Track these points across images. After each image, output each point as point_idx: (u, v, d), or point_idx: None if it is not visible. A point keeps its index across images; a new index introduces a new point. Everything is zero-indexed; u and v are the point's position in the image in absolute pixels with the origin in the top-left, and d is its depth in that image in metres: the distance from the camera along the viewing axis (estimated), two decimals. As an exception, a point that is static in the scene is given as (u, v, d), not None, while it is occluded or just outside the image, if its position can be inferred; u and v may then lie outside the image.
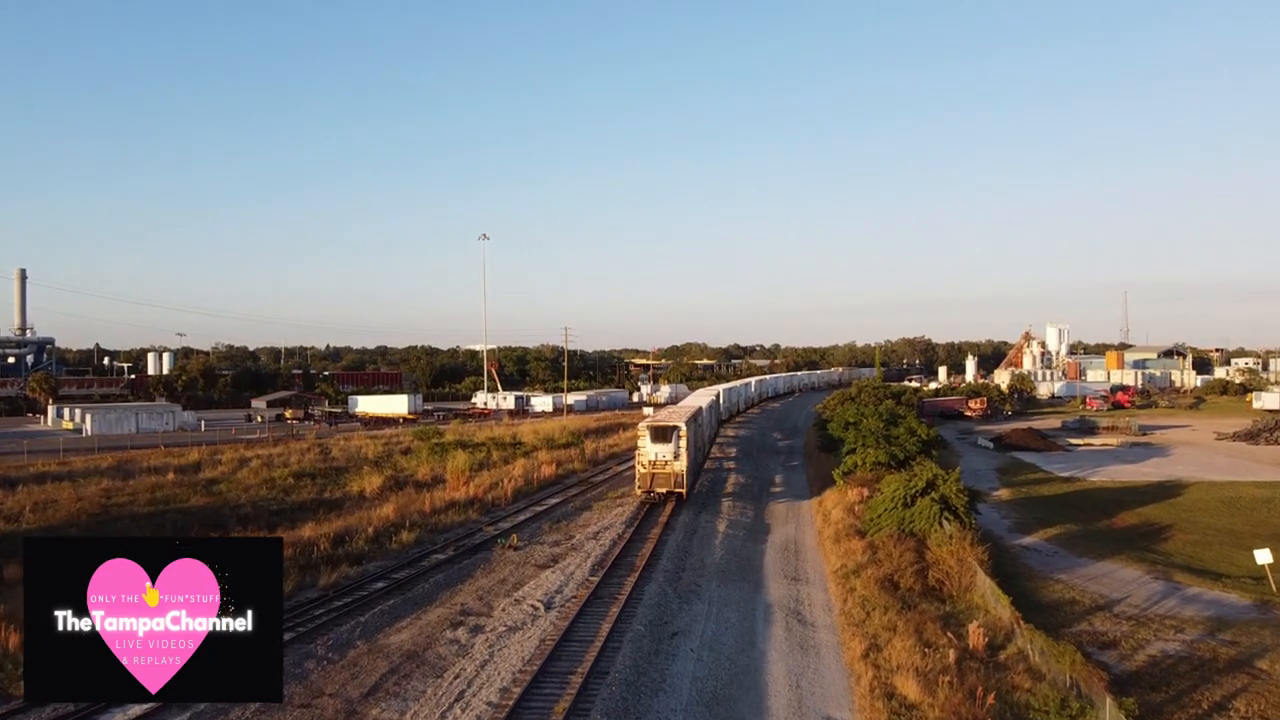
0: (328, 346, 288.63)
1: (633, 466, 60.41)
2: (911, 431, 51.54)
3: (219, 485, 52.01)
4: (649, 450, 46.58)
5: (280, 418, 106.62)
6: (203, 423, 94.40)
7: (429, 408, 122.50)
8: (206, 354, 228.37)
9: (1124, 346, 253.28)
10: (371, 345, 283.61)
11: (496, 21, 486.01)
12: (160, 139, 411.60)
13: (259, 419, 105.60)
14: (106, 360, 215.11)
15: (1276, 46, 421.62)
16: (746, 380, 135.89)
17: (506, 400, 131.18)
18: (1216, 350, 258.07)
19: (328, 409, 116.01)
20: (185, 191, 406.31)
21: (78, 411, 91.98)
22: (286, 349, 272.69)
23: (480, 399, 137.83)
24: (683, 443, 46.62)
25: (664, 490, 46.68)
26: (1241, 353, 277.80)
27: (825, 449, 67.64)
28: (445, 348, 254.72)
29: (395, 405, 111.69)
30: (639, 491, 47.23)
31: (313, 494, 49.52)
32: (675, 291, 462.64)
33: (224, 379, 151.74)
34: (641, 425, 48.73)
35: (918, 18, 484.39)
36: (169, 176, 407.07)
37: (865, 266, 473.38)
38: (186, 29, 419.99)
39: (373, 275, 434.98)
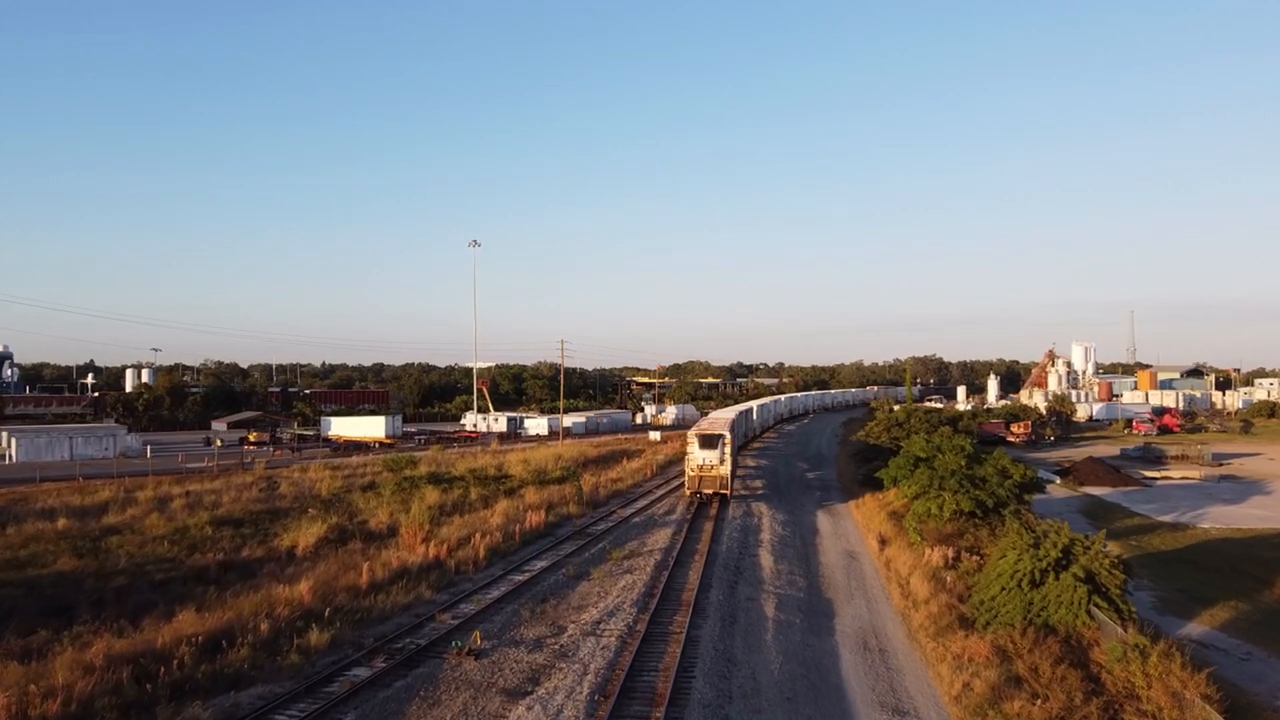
0: (323, 364, 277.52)
1: (643, 510, 49.69)
2: (1002, 471, 40.19)
3: (113, 538, 40.60)
4: (697, 456, 51.08)
5: (243, 441, 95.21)
6: (148, 448, 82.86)
7: (411, 430, 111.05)
8: (194, 370, 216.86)
9: (1142, 366, 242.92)
10: (368, 363, 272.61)
11: (495, 32, 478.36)
12: (163, 161, 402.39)
13: (218, 443, 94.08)
14: (90, 377, 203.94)
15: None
16: (776, 397, 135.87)
17: (498, 422, 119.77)
18: (1234, 370, 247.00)
19: (297, 431, 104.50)
20: (190, 208, 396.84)
21: (3, 434, 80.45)
22: (278, 366, 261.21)
23: (469, 420, 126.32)
24: (727, 449, 51.24)
25: (710, 491, 50.70)
26: (1262, 373, 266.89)
27: (871, 484, 56.45)
28: (443, 365, 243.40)
29: (372, 428, 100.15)
30: (687, 493, 51.71)
31: (227, 551, 38.10)
32: (677, 308, 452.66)
33: (194, 397, 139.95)
34: (690, 433, 53.59)
35: (928, 35, 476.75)
36: (172, 196, 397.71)
37: (869, 285, 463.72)
38: (181, 35, 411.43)
39: (376, 292, 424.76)
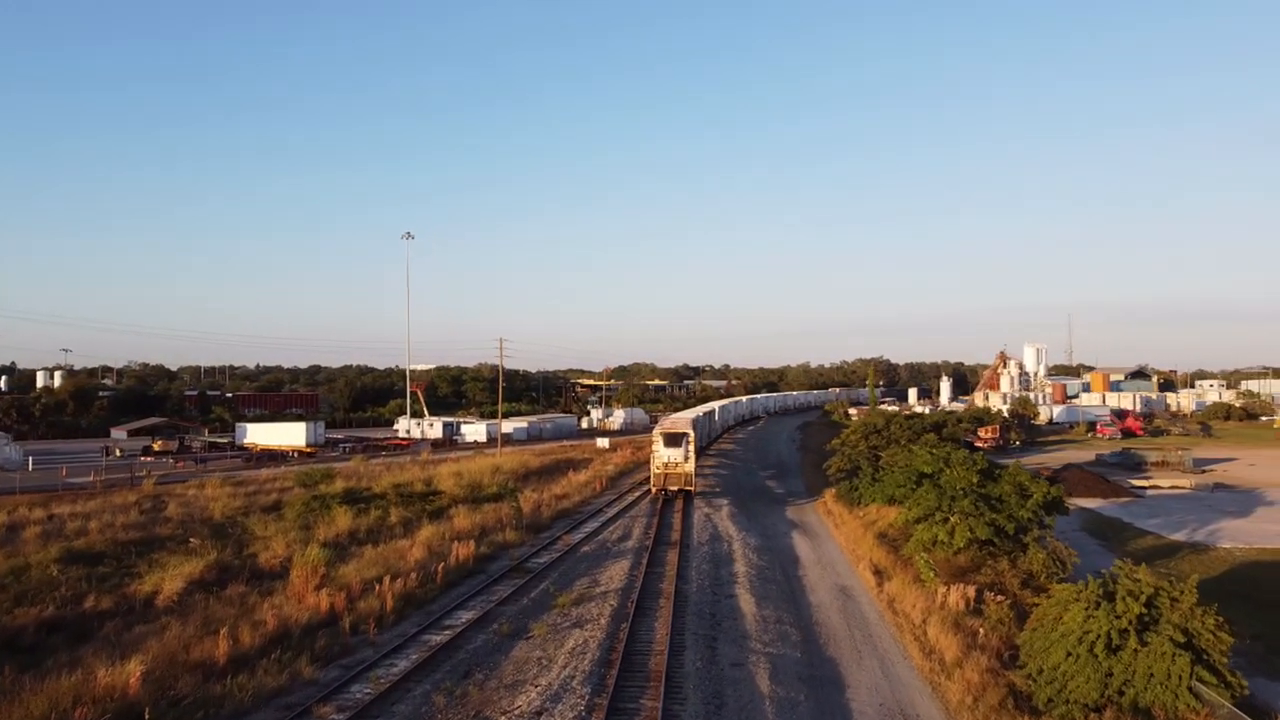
0: (257, 365, 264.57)
1: (593, 536, 42.48)
2: (1022, 490, 33.85)
3: (-76, 581, 32.14)
4: (662, 454, 51.95)
5: (147, 450, 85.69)
6: (31, 460, 73.24)
7: (337, 437, 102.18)
8: (116, 372, 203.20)
9: (1086, 368, 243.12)
10: (305, 364, 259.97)
11: (442, 27, 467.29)
12: (114, 162, 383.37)
13: (118, 453, 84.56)
14: (2, 380, 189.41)
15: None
16: (737, 399, 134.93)
17: (433, 428, 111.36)
18: (1173, 371, 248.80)
19: (209, 439, 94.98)
20: (124, 205, 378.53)
21: None
22: (207, 368, 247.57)
23: (402, 426, 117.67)
24: (690, 447, 52.09)
25: (675, 488, 51.65)
26: (1203, 374, 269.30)
27: (845, 498, 50.17)
28: (382, 367, 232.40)
29: (291, 435, 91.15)
30: (653, 490, 52.50)
31: (64, 601, 29.92)
32: (622, 311, 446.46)
33: (101, 401, 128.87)
34: (655, 432, 54.40)
35: (881, 45, 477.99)
36: (108, 194, 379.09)
37: (813, 288, 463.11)
38: (164, 37, 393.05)
39: (314, 291, 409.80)
